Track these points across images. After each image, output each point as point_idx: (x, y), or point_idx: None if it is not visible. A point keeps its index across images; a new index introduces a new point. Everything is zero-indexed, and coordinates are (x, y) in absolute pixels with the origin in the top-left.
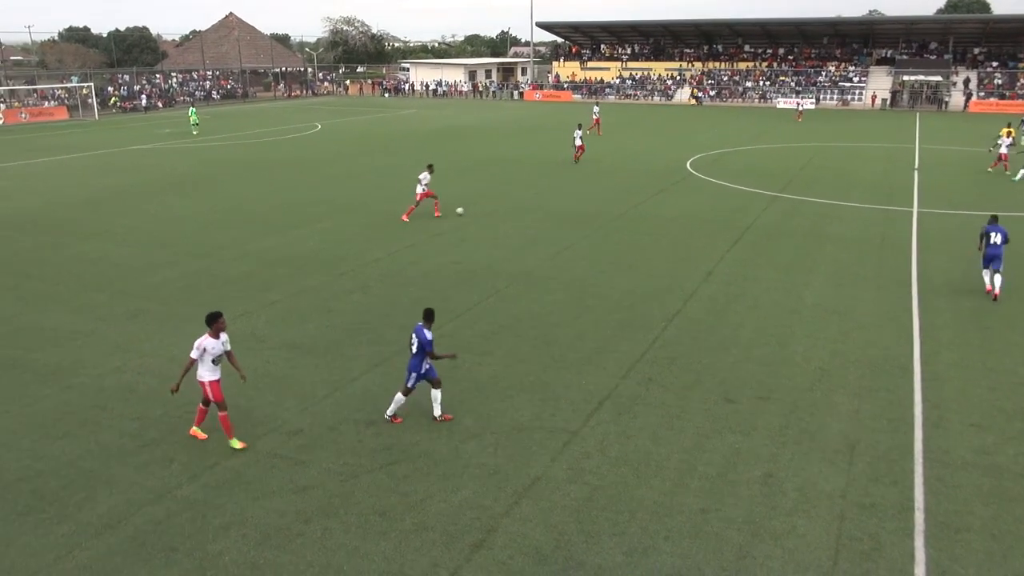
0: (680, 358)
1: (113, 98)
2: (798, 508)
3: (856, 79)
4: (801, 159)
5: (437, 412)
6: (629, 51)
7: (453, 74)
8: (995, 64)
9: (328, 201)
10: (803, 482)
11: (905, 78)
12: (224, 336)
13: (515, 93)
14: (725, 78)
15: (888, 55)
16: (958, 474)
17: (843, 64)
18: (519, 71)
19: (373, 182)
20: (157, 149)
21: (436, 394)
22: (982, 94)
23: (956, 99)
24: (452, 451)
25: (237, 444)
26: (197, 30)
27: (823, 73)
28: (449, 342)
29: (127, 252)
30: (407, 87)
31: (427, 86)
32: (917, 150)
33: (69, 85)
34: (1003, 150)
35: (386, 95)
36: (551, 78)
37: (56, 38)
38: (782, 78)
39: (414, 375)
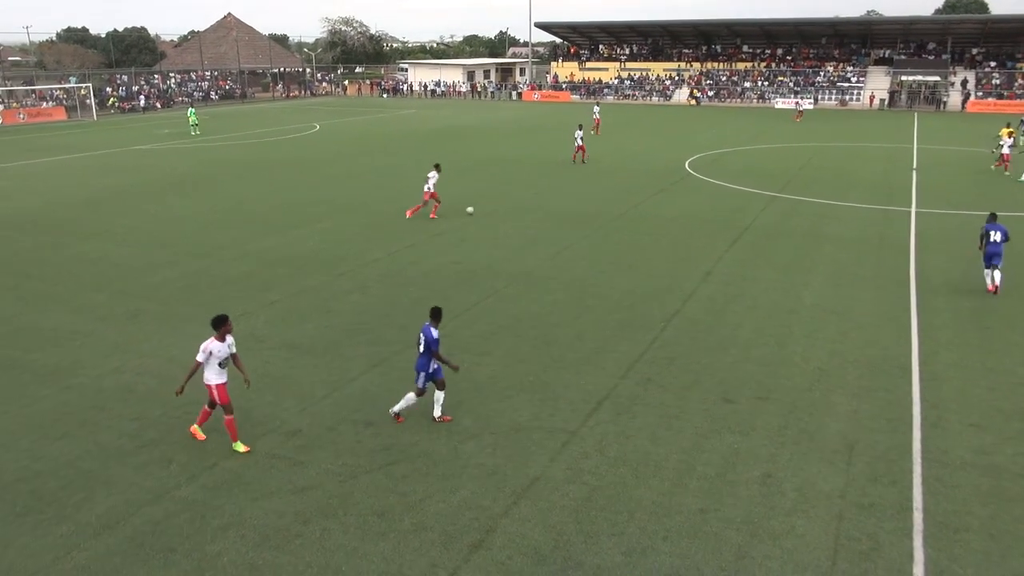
0: (679, 358)
1: (111, 99)
2: (797, 508)
3: (854, 79)
4: (800, 159)
5: (437, 413)
6: (627, 51)
7: (451, 74)
8: (993, 64)
9: (328, 201)
10: (802, 482)
11: (903, 78)
12: (230, 339)
13: (513, 93)
14: (723, 78)
15: (886, 55)
16: (957, 474)
17: (841, 64)
18: (517, 71)
19: (373, 182)
20: (157, 149)
21: (439, 395)
22: (980, 94)
23: (954, 99)
24: (451, 451)
25: (241, 448)
26: (195, 30)
27: (821, 73)
28: (448, 342)
29: (127, 252)
30: (405, 87)
31: (425, 86)
32: (915, 150)
33: (67, 86)
34: (1005, 150)
35: (384, 95)
36: (549, 78)
37: (54, 38)
38: (780, 78)
39: (422, 375)
